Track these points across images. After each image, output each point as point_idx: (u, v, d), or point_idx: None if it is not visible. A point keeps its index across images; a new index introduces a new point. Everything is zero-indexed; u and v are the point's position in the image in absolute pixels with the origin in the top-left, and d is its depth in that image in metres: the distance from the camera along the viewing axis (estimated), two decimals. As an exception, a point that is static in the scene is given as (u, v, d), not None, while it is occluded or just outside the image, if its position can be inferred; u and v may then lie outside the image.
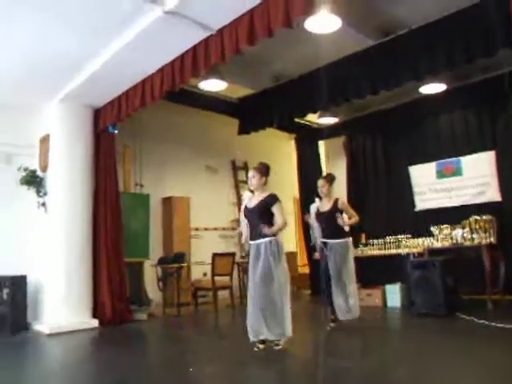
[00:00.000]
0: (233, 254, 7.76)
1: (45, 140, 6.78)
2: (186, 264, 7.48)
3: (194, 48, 5.22)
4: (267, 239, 4.35)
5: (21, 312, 6.35)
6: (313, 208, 5.98)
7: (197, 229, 8.85)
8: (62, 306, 6.34)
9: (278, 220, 4.43)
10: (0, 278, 6.31)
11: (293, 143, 10.15)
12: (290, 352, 4.35)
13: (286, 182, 10.03)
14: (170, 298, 7.62)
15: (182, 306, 7.62)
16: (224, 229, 9.34)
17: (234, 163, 9.89)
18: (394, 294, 6.99)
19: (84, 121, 6.84)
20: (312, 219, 5.96)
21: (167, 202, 8.52)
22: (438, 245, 6.75)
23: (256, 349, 4.30)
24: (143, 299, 7.40)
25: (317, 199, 5.95)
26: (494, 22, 4.93)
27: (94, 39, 5.22)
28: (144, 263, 7.62)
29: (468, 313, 5.65)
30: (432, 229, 6.95)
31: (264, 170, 4.82)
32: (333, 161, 9.84)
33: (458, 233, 6.56)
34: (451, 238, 6.68)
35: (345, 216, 5.49)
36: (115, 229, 6.85)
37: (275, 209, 4.46)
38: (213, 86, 7.01)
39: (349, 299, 5.41)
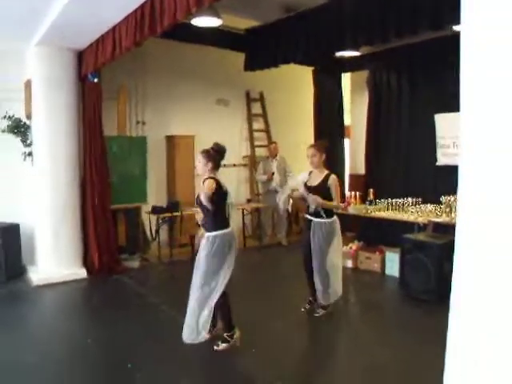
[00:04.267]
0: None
1: (28, 85, 6.41)
2: (179, 213, 7.25)
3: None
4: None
5: (15, 259, 6.53)
6: (301, 177, 5.32)
7: (204, 166, 8.45)
8: (51, 257, 6.43)
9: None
10: (-7, 226, 6.39)
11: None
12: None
13: (309, 115, 9.21)
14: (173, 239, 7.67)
15: (184, 247, 7.70)
16: (235, 165, 8.87)
17: (249, 94, 9.11)
18: (393, 263, 6.47)
19: (66, 64, 6.32)
20: (300, 188, 5.27)
21: (170, 140, 8.10)
22: (445, 218, 6.00)
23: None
24: (139, 245, 7.38)
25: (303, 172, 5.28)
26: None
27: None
28: (142, 208, 7.47)
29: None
30: (442, 198, 6.16)
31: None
32: (355, 97, 8.81)
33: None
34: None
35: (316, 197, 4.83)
36: (100, 178, 6.63)
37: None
38: (206, 22, 6.22)
39: (330, 283, 4.96)
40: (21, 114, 6.52)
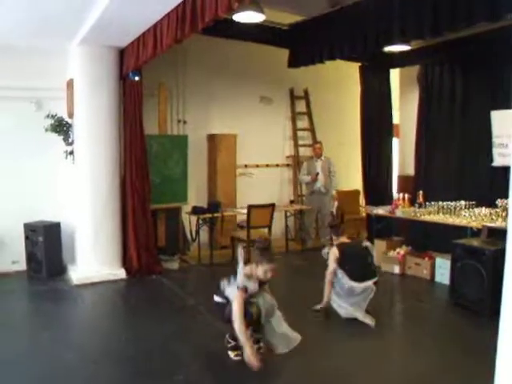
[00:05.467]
0: (272, 205, 7.16)
1: (70, 84, 6.43)
2: (220, 214, 7.11)
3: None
4: None
5: (56, 257, 6.59)
6: None
7: (246, 166, 8.28)
8: (90, 256, 6.42)
9: None
10: (35, 226, 6.43)
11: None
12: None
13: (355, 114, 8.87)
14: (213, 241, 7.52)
15: (224, 249, 7.57)
16: (278, 165, 8.67)
17: (293, 92, 8.86)
18: (443, 270, 6.09)
19: (108, 63, 6.27)
20: None
21: (212, 139, 7.98)
22: (501, 223, 5.56)
23: None
24: (179, 246, 7.28)
25: None
26: None
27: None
28: (182, 208, 7.37)
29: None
30: (497, 202, 5.73)
31: None
32: (404, 94, 8.39)
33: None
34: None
35: None
36: (140, 177, 6.56)
37: None
38: (248, 18, 6.03)
39: None
40: (63, 113, 6.55)
